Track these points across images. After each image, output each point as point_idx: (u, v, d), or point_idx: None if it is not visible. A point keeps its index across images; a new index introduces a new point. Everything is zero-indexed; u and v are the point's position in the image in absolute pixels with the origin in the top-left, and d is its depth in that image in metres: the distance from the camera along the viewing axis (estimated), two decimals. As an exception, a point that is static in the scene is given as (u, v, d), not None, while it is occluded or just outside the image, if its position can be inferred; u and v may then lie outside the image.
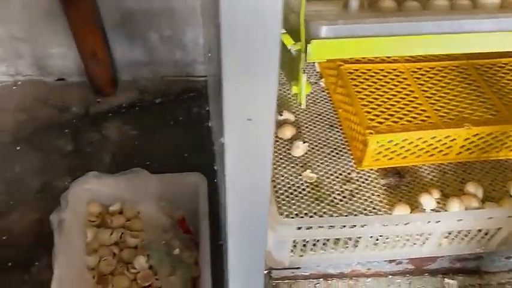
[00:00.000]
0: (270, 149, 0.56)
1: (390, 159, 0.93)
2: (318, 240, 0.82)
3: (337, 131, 1.04)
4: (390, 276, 0.95)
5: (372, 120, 0.92)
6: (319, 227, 0.77)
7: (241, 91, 0.50)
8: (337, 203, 0.91)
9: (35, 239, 1.07)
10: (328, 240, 0.82)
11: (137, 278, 0.92)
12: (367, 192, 0.93)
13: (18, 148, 1.26)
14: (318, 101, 1.11)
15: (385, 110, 0.94)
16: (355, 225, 0.78)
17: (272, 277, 0.93)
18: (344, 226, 0.78)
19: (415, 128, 0.90)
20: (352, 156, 0.98)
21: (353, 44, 0.51)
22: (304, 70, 0.57)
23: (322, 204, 0.90)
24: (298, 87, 0.59)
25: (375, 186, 0.94)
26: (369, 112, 0.93)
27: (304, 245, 0.83)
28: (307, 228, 0.77)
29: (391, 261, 0.92)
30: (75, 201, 0.99)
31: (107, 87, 1.40)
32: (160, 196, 1.03)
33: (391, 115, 0.93)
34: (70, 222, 0.95)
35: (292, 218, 0.85)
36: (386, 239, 0.83)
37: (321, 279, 0.95)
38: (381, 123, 0.91)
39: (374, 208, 0.90)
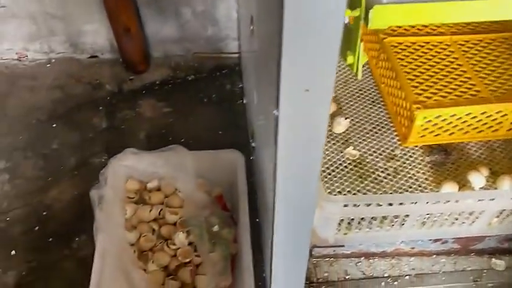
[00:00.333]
0: (325, 121, 0.53)
1: (436, 135, 0.89)
2: (363, 219, 0.80)
3: (379, 107, 1.01)
4: (434, 256, 0.93)
5: (419, 95, 0.88)
6: (367, 204, 0.75)
7: (300, 61, 0.47)
8: (381, 181, 0.88)
9: (74, 214, 1.07)
10: (374, 218, 0.80)
11: (177, 254, 0.91)
12: (411, 169, 0.90)
13: (54, 125, 1.27)
14: (358, 76, 1.07)
15: (432, 84, 0.90)
16: (404, 203, 0.76)
17: (313, 255, 0.92)
18: (392, 204, 0.76)
19: (464, 103, 0.87)
20: (395, 133, 0.95)
21: (419, 9, 0.48)
22: (361, 39, 0.55)
23: (366, 182, 0.88)
24: (354, 57, 0.56)
25: (420, 164, 0.91)
26: (415, 87, 0.90)
27: (349, 223, 0.81)
28: (354, 206, 0.75)
29: (436, 240, 0.90)
30: (114, 178, 0.99)
31: (140, 64, 1.39)
32: (197, 173, 1.02)
33: (439, 90, 0.90)
34: (110, 198, 0.95)
35: (335, 195, 0.83)
36: (435, 217, 0.80)
37: (363, 258, 0.93)
38: (428, 98, 0.88)
39: (420, 186, 0.87)
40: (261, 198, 0.98)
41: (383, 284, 0.89)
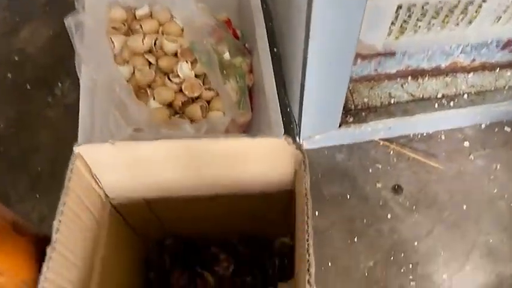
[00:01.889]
0: None
1: None
2: (419, 19, 0.61)
3: None
4: (498, 69, 0.76)
5: None
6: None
7: None
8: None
9: (52, 57, 0.89)
10: (436, 15, 0.60)
11: (183, 88, 0.75)
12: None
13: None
14: None
15: None
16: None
17: (351, 78, 0.75)
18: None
19: None
20: None
21: None
22: None
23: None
24: None
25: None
26: None
27: (405, 21, 0.62)
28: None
29: (504, 47, 0.72)
30: (94, 3, 0.78)
31: None
32: (196, -6, 0.81)
33: None
34: (91, 26, 0.75)
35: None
36: (516, 7, 0.61)
37: (410, 78, 0.76)
38: None
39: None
40: (282, 17, 0.78)
41: (436, 105, 0.74)
